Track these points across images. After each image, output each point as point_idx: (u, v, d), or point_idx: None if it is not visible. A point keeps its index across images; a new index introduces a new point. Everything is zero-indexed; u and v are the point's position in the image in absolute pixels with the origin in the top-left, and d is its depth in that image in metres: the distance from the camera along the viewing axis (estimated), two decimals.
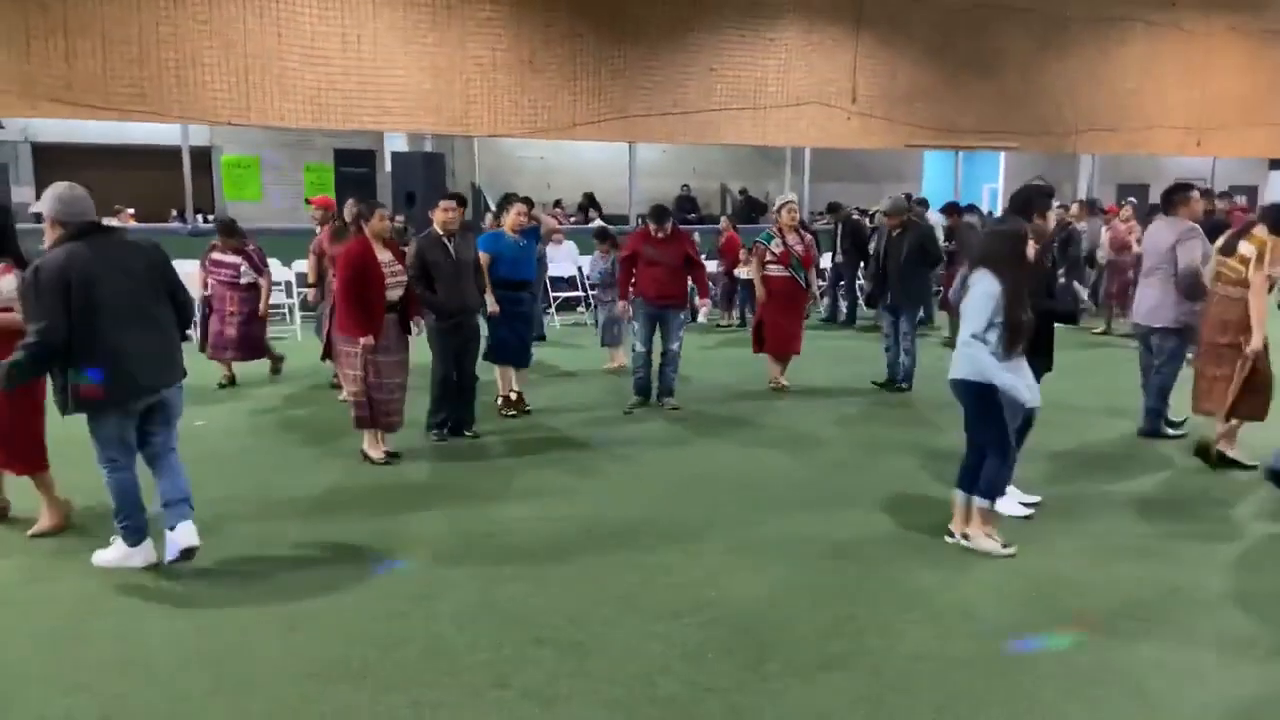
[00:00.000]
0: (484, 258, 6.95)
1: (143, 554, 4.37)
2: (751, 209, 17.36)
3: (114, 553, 4.39)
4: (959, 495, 4.72)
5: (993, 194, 19.01)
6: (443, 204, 6.56)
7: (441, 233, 6.48)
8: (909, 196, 11.72)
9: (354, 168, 12.27)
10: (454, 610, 4.01)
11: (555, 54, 13.00)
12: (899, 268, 8.22)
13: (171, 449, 4.39)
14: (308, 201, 7.50)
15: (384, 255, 5.96)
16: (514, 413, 7.32)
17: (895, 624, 3.89)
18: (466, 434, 6.70)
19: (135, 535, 4.35)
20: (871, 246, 9.58)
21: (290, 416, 7.52)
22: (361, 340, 5.83)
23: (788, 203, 8.33)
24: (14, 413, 4.65)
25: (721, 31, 13.84)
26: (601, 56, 13.24)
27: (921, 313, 9.80)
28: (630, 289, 7.56)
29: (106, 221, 4.85)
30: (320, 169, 13.29)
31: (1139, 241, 10.31)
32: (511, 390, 7.39)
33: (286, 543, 4.77)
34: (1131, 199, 13.15)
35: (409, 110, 12.40)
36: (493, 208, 13.69)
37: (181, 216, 13.11)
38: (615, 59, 13.31)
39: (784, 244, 8.08)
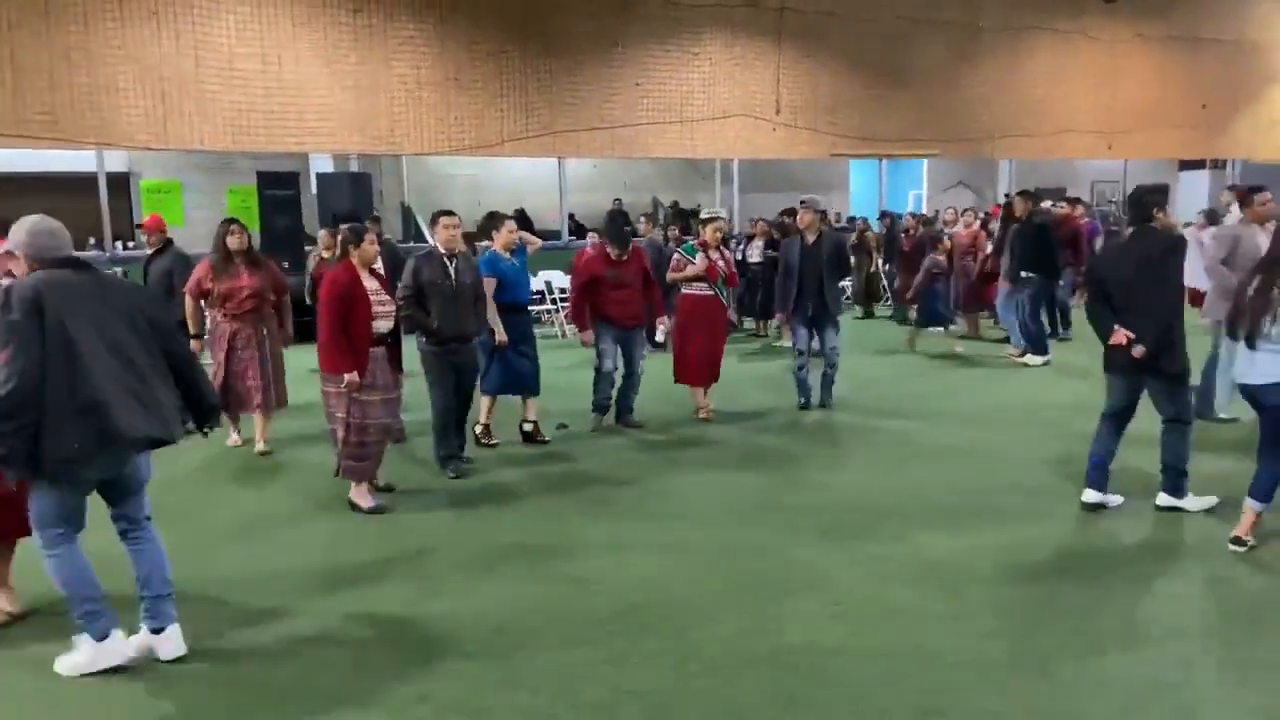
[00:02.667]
0: (489, 283, 6.51)
1: (118, 648, 3.60)
2: (683, 221, 17.51)
3: (82, 655, 3.59)
4: (1254, 505, 4.66)
5: (917, 199, 19.45)
6: (443, 220, 6.05)
7: (444, 251, 6.03)
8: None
9: (278, 190, 12.08)
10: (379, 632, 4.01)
11: (481, 71, 13.02)
12: (818, 277, 7.70)
13: (147, 518, 3.74)
14: (139, 226, 7.18)
15: (371, 284, 5.47)
16: (496, 441, 6.87)
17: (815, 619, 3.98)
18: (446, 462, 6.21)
19: (101, 624, 3.57)
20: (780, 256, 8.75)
21: (254, 465, 6.65)
22: (346, 377, 5.30)
23: (715, 219, 7.97)
24: None
25: (646, 47, 13.99)
26: (528, 73, 13.29)
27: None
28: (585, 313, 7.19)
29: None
30: (244, 191, 13.08)
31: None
32: (525, 420, 6.99)
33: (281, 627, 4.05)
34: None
35: (333, 130, 12.30)
36: (424, 227, 13.70)
37: (100, 245, 12.82)
38: (542, 75, 13.37)
39: (708, 258, 7.55)
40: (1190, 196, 22.58)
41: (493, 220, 7.04)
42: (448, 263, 6.01)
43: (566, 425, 7.38)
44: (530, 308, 7.40)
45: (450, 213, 6.14)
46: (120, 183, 14.16)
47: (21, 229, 3.59)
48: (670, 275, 7.69)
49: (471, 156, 14.01)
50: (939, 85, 15.87)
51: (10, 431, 3.25)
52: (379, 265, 5.76)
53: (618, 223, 7.43)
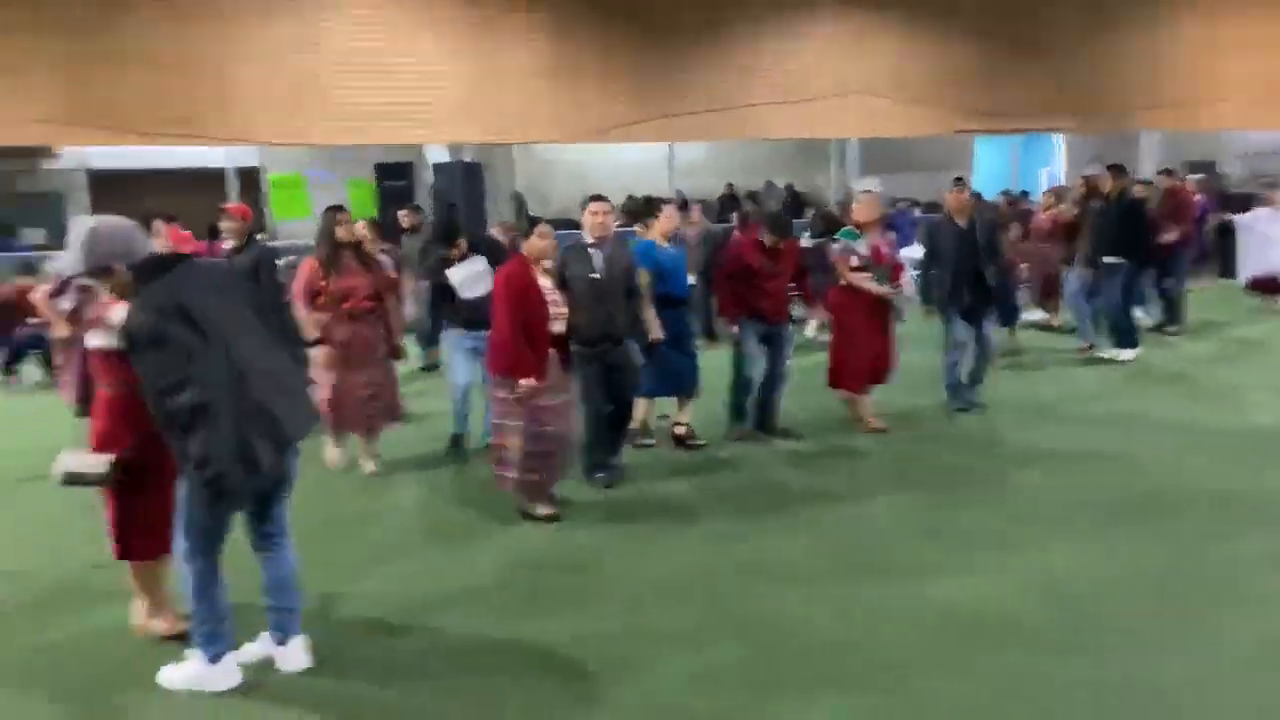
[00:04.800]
0: (644, 276, 5.95)
1: (225, 674, 3.47)
2: (798, 205, 17.07)
3: (189, 671, 3.47)
4: None
5: (1051, 177, 18.41)
6: (592, 205, 5.50)
7: (590, 241, 5.52)
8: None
9: (394, 180, 12.30)
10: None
11: (591, 57, 12.89)
12: (975, 263, 7.00)
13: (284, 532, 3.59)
14: (222, 209, 6.71)
15: (544, 281, 5.11)
16: (651, 442, 6.46)
17: None
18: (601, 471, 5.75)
19: (217, 647, 3.45)
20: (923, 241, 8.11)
21: (369, 483, 5.99)
22: (522, 382, 4.99)
23: (868, 191, 7.01)
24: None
25: (759, 25, 13.59)
26: (638, 58, 13.09)
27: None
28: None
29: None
30: (362, 184, 13.39)
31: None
32: (677, 423, 6.53)
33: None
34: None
35: (449, 121, 12.38)
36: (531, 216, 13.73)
37: None
38: (652, 59, 13.14)
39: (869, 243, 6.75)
40: None
41: (649, 205, 6.48)
42: (593, 253, 5.48)
43: (740, 438, 6.64)
44: None
45: (600, 197, 5.58)
46: (249, 177, 14.69)
47: (100, 239, 3.22)
48: (843, 273, 6.71)
49: (586, 143, 13.92)
50: (1074, 53, 14.86)
51: (202, 443, 3.07)
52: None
53: (776, 208, 6.92)
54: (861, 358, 6.76)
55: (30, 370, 9.43)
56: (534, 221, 5.27)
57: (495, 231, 8.15)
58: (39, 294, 5.82)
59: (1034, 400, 7.55)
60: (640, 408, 6.37)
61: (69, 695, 3.50)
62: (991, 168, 18.22)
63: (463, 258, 6.06)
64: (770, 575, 4.34)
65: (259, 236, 13.03)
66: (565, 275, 5.34)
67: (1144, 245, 8.88)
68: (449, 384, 6.39)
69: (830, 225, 8.53)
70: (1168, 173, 11.02)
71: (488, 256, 6.11)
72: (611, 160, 17.63)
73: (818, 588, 4.19)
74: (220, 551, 3.39)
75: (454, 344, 6.32)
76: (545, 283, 5.11)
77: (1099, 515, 4.94)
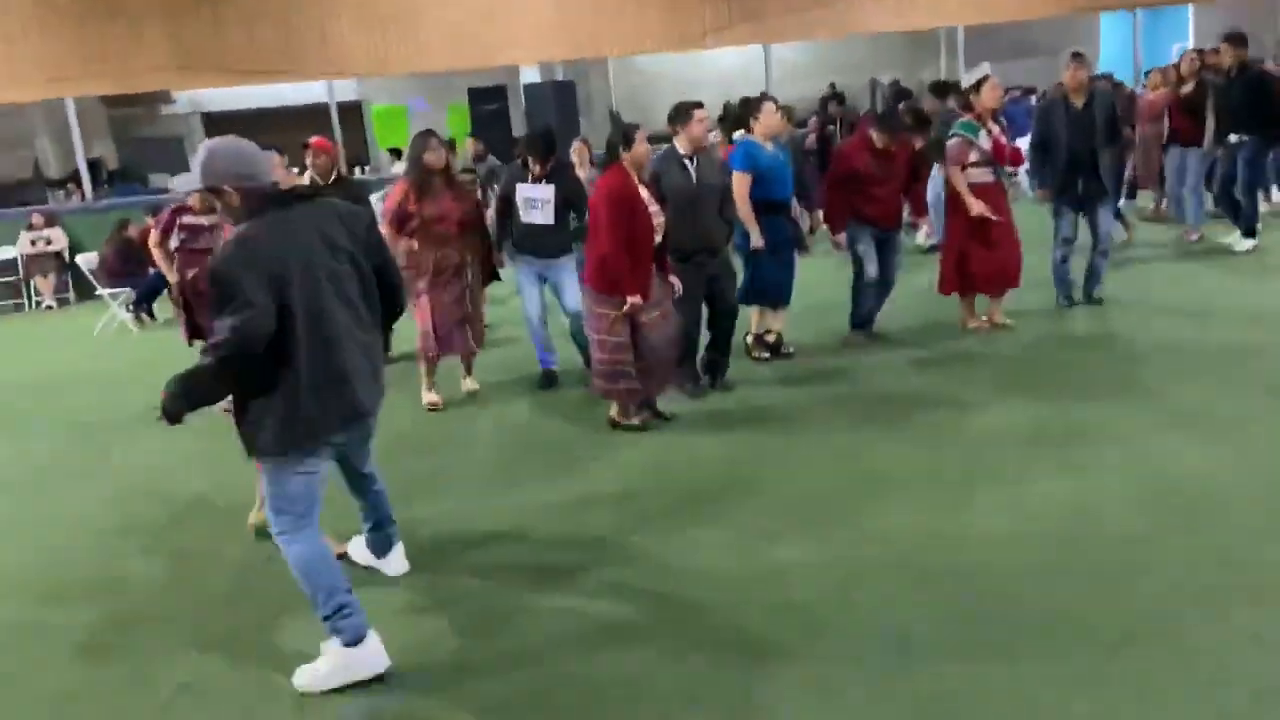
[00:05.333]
0: (741, 180, 5.77)
1: (372, 658, 3.05)
2: (903, 102, 16.33)
3: (329, 664, 3.06)
4: None
5: (1182, 53, 17.04)
6: (696, 114, 5.28)
7: (685, 151, 5.34)
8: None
9: (487, 104, 12.35)
10: None
11: None
12: (1090, 147, 6.49)
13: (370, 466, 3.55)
14: (305, 145, 6.51)
15: (644, 192, 4.96)
16: (768, 355, 6.31)
17: None
18: (717, 387, 5.73)
19: (355, 622, 3.04)
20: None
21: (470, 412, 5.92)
22: (630, 299, 4.88)
23: (987, 78, 6.41)
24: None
25: None
26: None
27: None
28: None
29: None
30: (460, 109, 13.49)
31: None
32: (768, 331, 6.35)
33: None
34: None
35: (538, 40, 12.32)
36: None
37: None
38: None
39: (990, 134, 6.30)
40: None
41: (749, 105, 6.16)
42: (688, 163, 5.33)
43: (856, 342, 6.46)
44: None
45: (700, 104, 5.35)
46: (353, 111, 14.99)
47: (213, 151, 2.95)
48: (952, 175, 6.31)
49: (676, 54, 13.62)
50: None
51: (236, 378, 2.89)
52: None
53: (887, 106, 6.53)
54: (978, 260, 6.36)
55: (164, 308, 9.98)
56: (629, 130, 5.03)
57: (574, 151, 7.84)
58: (151, 237, 6.05)
59: (1146, 295, 7.16)
60: (753, 319, 6.33)
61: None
62: (1117, 47, 16.99)
63: (542, 179, 5.93)
64: (889, 485, 4.26)
65: (356, 170, 13.41)
66: (661, 186, 5.17)
67: (1273, 120, 8.09)
68: (525, 315, 6.25)
69: (919, 120, 8.01)
70: None
71: (560, 186, 5.96)
72: (710, 69, 17.21)
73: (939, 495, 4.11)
74: (315, 521, 3.08)
75: (523, 272, 6.17)
76: (645, 194, 4.96)
77: (1226, 414, 4.69)
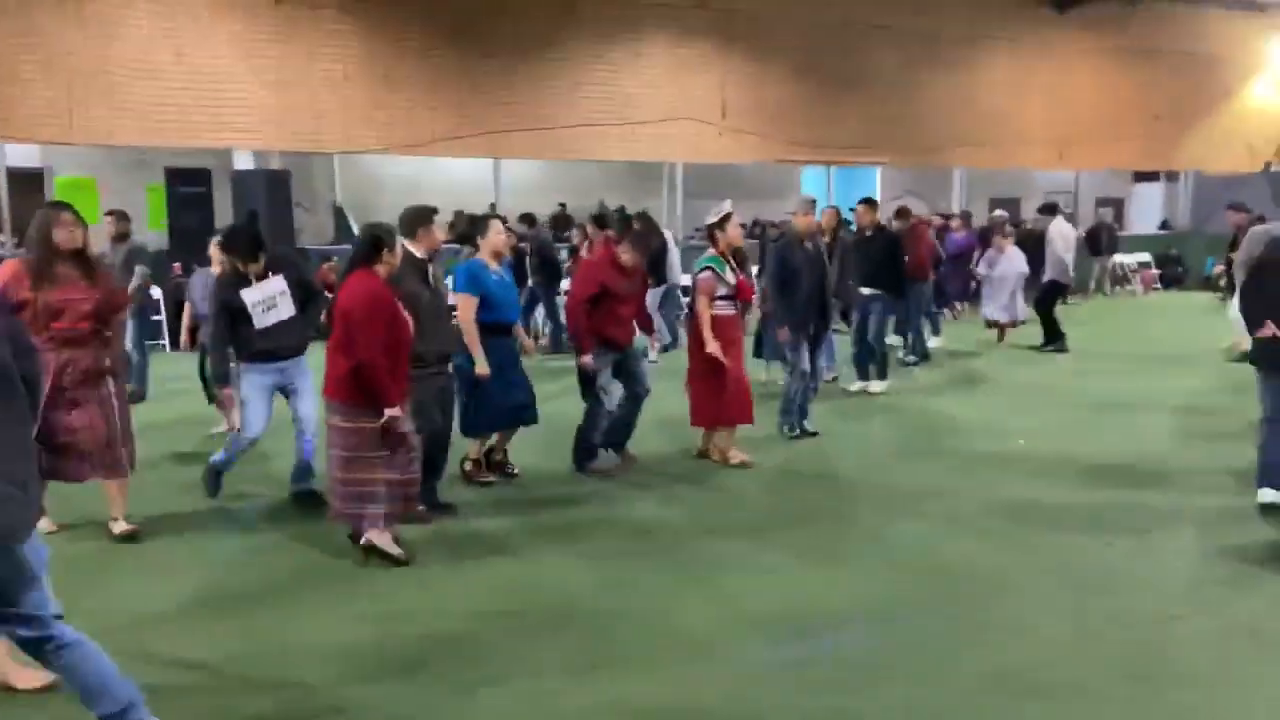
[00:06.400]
0: (465, 301, 5.56)
1: None
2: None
3: None
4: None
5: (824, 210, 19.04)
6: (435, 219, 5.19)
7: (423, 256, 5.13)
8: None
9: (189, 187, 11.51)
10: None
11: (411, 68, 12.47)
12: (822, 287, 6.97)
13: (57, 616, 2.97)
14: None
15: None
16: (491, 479, 5.98)
17: None
18: (436, 508, 5.31)
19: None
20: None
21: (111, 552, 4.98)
22: (389, 411, 4.51)
23: (730, 215, 6.38)
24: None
25: (588, 46, 13.53)
26: (462, 71, 12.76)
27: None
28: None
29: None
30: (158, 190, 12.49)
31: None
32: (496, 450, 6.08)
33: None
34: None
35: (252, 126, 11.69)
36: (354, 229, 13.06)
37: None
38: (476, 74, 12.85)
39: (735, 271, 6.32)
40: (1144, 207, 22.60)
41: (477, 224, 5.94)
42: (427, 270, 5.14)
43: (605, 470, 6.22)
44: None
45: (435, 211, 5.29)
46: (33, 178, 13.48)
47: None
48: (700, 307, 6.20)
49: (400, 155, 13.45)
50: (892, 92, 15.54)
51: None
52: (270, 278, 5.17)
53: (633, 223, 6.45)
54: (724, 391, 6.27)
55: None
56: (384, 235, 4.68)
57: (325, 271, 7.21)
58: None
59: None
60: (477, 443, 6.01)
61: None
62: (816, 193, 18.75)
63: (261, 277, 5.33)
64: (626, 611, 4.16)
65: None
66: (402, 293, 4.81)
67: (899, 277, 8.91)
68: (245, 438, 5.45)
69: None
70: (904, 212, 11.12)
71: (289, 274, 5.42)
72: (442, 176, 17.17)
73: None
74: None
75: (253, 383, 5.40)
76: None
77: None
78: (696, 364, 6.37)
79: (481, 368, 5.57)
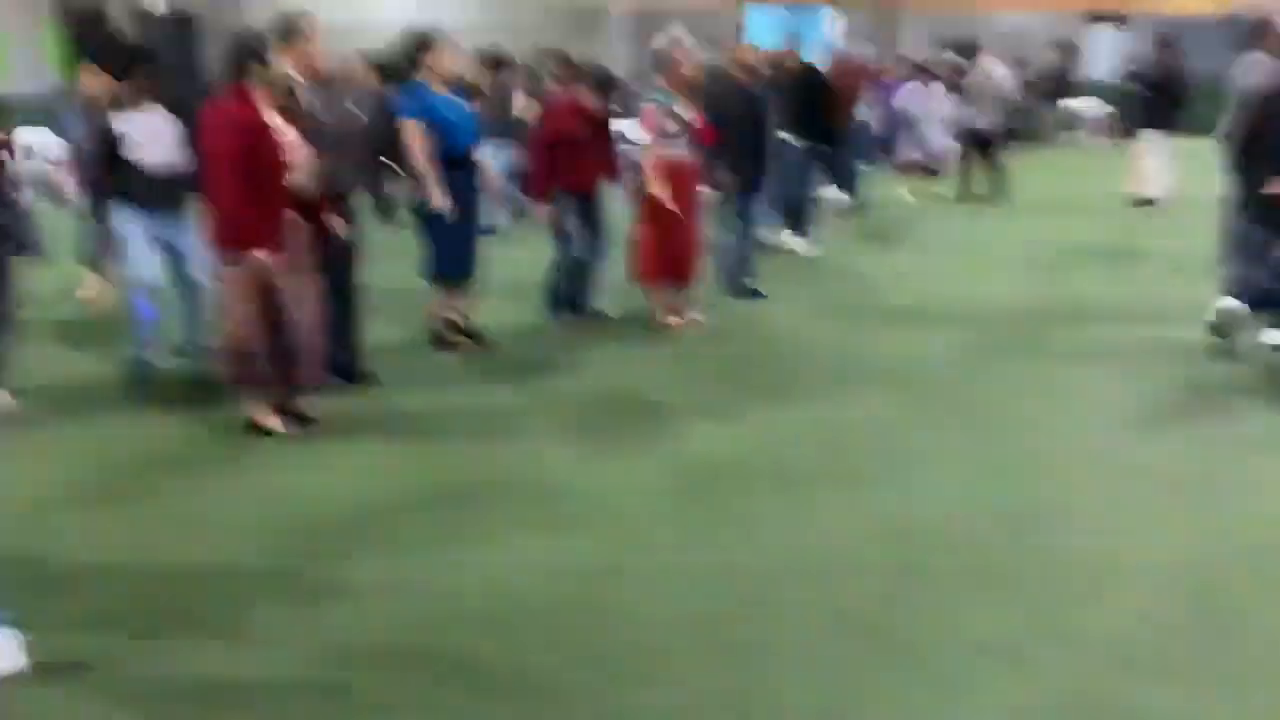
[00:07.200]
0: (412, 128, 5.05)
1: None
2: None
3: None
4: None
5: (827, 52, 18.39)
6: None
7: (300, 77, 4.45)
8: None
9: (88, 29, 10.50)
10: None
11: None
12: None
13: None
14: None
15: (275, 120, 4.12)
16: (458, 340, 5.57)
17: None
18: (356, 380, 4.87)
19: None
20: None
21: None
22: (255, 253, 4.05)
23: (680, 42, 5.79)
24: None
25: None
26: None
27: None
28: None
29: None
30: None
31: None
32: (461, 315, 5.60)
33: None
34: None
35: None
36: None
37: None
38: None
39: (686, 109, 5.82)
40: (1101, 51, 22.07)
41: (421, 42, 5.16)
42: (310, 94, 4.52)
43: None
44: None
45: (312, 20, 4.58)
46: None
47: None
48: (646, 150, 5.73)
49: None
50: None
51: None
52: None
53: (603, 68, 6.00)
54: (669, 246, 5.84)
55: None
56: (260, 44, 4.14)
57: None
58: None
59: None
60: (436, 300, 5.59)
61: None
62: (762, 39, 17.97)
63: (140, 106, 4.69)
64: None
65: None
66: (302, 115, 4.30)
67: (820, 124, 8.10)
68: (131, 280, 4.88)
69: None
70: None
71: (187, 122, 4.68)
72: (371, 19, 16.05)
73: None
74: None
75: (129, 230, 4.78)
76: (276, 122, 4.08)
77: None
78: (641, 210, 5.90)
79: (437, 200, 5.07)
